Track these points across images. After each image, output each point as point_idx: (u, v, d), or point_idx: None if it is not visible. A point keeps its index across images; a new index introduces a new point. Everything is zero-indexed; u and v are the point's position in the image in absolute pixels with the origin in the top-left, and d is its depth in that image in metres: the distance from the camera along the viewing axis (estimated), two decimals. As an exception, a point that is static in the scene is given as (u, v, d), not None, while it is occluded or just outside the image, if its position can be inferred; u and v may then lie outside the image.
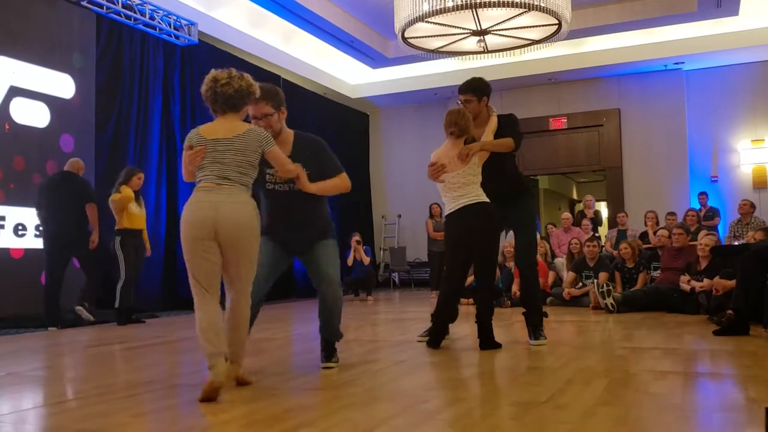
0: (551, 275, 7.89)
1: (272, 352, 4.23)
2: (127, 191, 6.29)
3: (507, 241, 9.17)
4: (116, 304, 6.34)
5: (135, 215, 6.38)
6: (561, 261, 8.16)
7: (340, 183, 3.39)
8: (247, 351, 3.02)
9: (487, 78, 4.04)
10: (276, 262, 3.43)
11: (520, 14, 7.61)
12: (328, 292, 3.41)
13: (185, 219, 2.82)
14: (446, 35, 8.42)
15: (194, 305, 2.81)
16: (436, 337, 4.20)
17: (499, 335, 4.95)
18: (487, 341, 4.10)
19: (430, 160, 4.21)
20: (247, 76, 3.00)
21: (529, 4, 7.17)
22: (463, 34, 8.32)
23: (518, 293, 7.59)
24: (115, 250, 6.32)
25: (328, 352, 3.53)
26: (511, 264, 8.17)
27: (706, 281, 5.83)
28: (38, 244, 6.61)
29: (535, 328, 4.30)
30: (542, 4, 7.25)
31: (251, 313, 3.06)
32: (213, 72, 2.99)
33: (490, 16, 7.78)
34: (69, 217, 6.16)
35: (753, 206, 8.70)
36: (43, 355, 4.45)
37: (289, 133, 3.39)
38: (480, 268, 4.14)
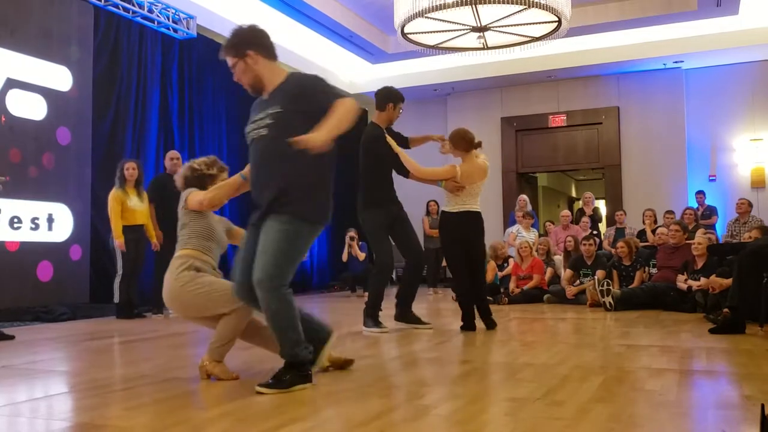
0: (549, 272, 7.89)
1: (268, 347, 4.21)
2: (115, 195, 6.23)
3: (505, 239, 9.19)
4: (115, 299, 6.33)
5: (133, 210, 6.30)
6: (559, 258, 8.16)
7: (339, 109, 2.65)
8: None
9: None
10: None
11: (519, 11, 7.59)
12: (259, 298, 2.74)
13: None
14: (446, 31, 8.39)
15: None
16: (469, 320, 4.90)
17: (495, 332, 4.95)
18: (480, 320, 4.94)
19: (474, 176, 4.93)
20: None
21: (529, 1, 7.14)
22: (463, 30, 8.30)
23: (516, 290, 7.64)
24: (114, 246, 6.29)
25: (277, 372, 2.74)
26: (510, 261, 8.19)
27: (702, 280, 5.83)
28: (34, 237, 6.59)
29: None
30: (542, 1, 7.22)
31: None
32: None
33: (489, 13, 7.76)
34: None
35: (751, 205, 8.70)
36: (38, 348, 4.44)
37: (277, 78, 2.88)
38: (475, 266, 4.95)
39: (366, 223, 5.02)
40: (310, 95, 2.78)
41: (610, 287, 6.55)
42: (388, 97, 5.06)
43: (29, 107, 6.64)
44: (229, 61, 2.88)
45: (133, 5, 7.68)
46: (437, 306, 7.32)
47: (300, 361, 2.75)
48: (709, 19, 9.72)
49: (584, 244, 7.36)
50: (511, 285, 7.79)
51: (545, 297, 7.53)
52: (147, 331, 5.30)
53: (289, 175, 2.75)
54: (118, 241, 6.19)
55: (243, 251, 2.87)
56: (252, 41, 2.86)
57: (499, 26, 8.14)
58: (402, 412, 2.43)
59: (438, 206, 9.08)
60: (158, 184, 6.64)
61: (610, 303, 6.37)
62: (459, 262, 4.86)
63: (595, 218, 9.62)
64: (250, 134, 2.90)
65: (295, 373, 2.74)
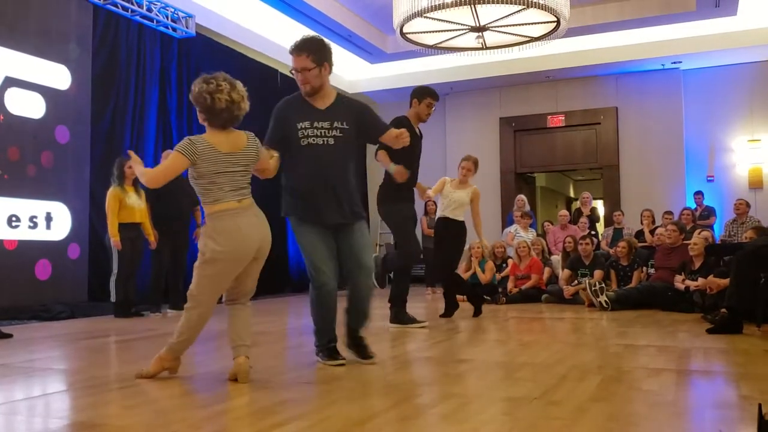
0: (547, 271, 7.89)
1: (266, 346, 4.22)
2: (114, 193, 6.21)
3: (503, 239, 9.19)
4: (112, 298, 6.32)
5: (131, 208, 6.29)
6: (557, 258, 8.17)
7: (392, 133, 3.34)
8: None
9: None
10: (330, 246, 3.32)
11: (518, 11, 7.59)
12: (362, 281, 3.33)
13: (228, 249, 2.88)
14: (445, 31, 8.39)
15: (196, 315, 2.99)
16: (450, 310, 5.87)
17: (493, 332, 4.96)
18: (450, 304, 5.88)
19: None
20: (244, 92, 3.03)
21: (527, 1, 7.15)
22: (462, 30, 8.30)
23: (514, 290, 7.65)
24: (110, 244, 6.28)
25: (363, 345, 3.41)
26: (509, 261, 8.19)
27: (700, 280, 5.84)
28: (32, 235, 6.59)
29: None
30: (541, 1, 7.23)
31: (334, 303, 3.33)
32: (226, 88, 2.91)
33: (488, 13, 7.76)
34: None
35: (749, 206, 8.70)
36: (36, 347, 4.43)
37: (332, 92, 3.37)
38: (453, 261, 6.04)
39: (390, 216, 5.04)
40: (374, 124, 3.42)
41: (603, 286, 6.55)
42: (413, 94, 5.38)
43: (28, 106, 6.64)
44: (304, 61, 3.22)
45: (132, 4, 7.67)
46: (435, 305, 7.32)
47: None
48: (707, 20, 9.73)
49: (581, 244, 7.37)
50: (510, 285, 7.79)
51: (543, 297, 7.53)
52: (145, 329, 5.30)
53: (352, 185, 3.35)
54: (113, 239, 6.18)
55: (327, 250, 3.29)
56: (330, 55, 3.30)
57: (498, 26, 8.14)
58: (400, 411, 2.43)
59: (436, 206, 9.08)
60: None
61: (605, 302, 6.37)
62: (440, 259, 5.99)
63: (592, 218, 9.63)
64: (310, 137, 3.23)
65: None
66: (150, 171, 3.03)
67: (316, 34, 3.43)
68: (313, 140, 3.23)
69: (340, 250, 3.34)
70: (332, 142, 3.24)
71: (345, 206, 3.29)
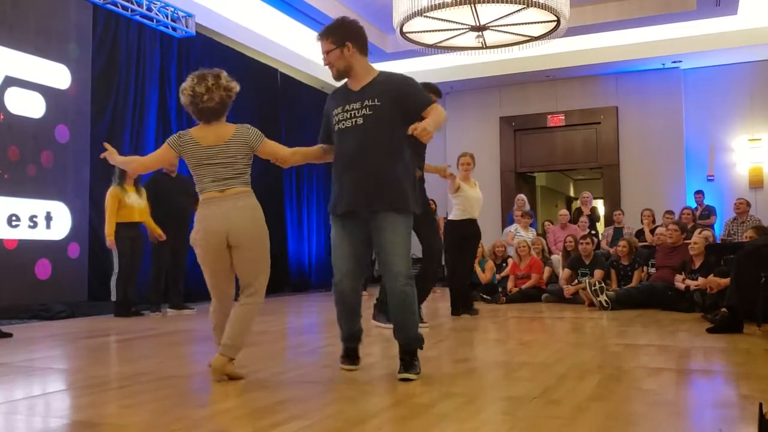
0: (547, 271, 7.89)
1: (265, 345, 4.23)
2: (113, 193, 6.19)
3: (503, 238, 9.19)
4: (112, 298, 6.31)
5: (131, 208, 6.28)
6: (557, 258, 8.17)
7: (437, 111, 2.97)
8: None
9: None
10: (354, 242, 3.05)
11: (518, 10, 7.59)
12: (392, 286, 2.95)
13: (199, 236, 3.00)
14: (445, 30, 8.40)
15: (211, 306, 3.21)
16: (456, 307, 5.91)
17: (492, 331, 4.96)
18: (463, 306, 5.87)
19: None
20: (225, 79, 3.04)
21: (528, 0, 7.15)
22: (462, 29, 8.30)
23: (514, 290, 7.65)
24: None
25: (405, 360, 2.98)
26: (509, 260, 8.19)
27: (700, 279, 5.84)
28: (32, 235, 6.59)
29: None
30: (541, 1, 7.23)
31: (352, 306, 3.15)
32: (190, 83, 3.00)
33: (488, 12, 7.76)
34: None
35: (749, 205, 8.70)
36: (36, 346, 4.43)
37: (370, 72, 3.08)
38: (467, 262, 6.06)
39: None
40: (413, 96, 3.05)
41: (603, 285, 6.55)
42: None
43: (28, 105, 6.63)
44: (325, 45, 3.07)
45: (132, 3, 7.66)
46: (435, 305, 7.32)
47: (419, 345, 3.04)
48: (707, 19, 9.73)
49: (582, 243, 7.37)
50: (510, 284, 7.79)
51: (543, 296, 7.53)
52: (145, 329, 5.30)
53: (385, 167, 2.96)
54: (108, 239, 6.17)
55: (348, 247, 3.04)
56: (352, 34, 3.07)
57: (498, 25, 8.14)
58: (400, 411, 2.43)
59: (436, 206, 9.08)
60: (153, 184, 6.63)
61: (605, 301, 6.37)
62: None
63: (592, 218, 9.63)
64: (342, 122, 3.04)
65: (415, 356, 3.02)
66: (138, 158, 3.38)
67: (343, 16, 3.17)
68: (343, 124, 3.01)
69: (375, 247, 3.04)
70: (361, 122, 2.96)
71: (365, 193, 2.93)
